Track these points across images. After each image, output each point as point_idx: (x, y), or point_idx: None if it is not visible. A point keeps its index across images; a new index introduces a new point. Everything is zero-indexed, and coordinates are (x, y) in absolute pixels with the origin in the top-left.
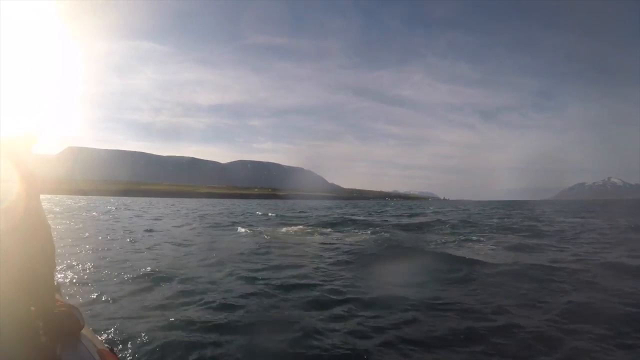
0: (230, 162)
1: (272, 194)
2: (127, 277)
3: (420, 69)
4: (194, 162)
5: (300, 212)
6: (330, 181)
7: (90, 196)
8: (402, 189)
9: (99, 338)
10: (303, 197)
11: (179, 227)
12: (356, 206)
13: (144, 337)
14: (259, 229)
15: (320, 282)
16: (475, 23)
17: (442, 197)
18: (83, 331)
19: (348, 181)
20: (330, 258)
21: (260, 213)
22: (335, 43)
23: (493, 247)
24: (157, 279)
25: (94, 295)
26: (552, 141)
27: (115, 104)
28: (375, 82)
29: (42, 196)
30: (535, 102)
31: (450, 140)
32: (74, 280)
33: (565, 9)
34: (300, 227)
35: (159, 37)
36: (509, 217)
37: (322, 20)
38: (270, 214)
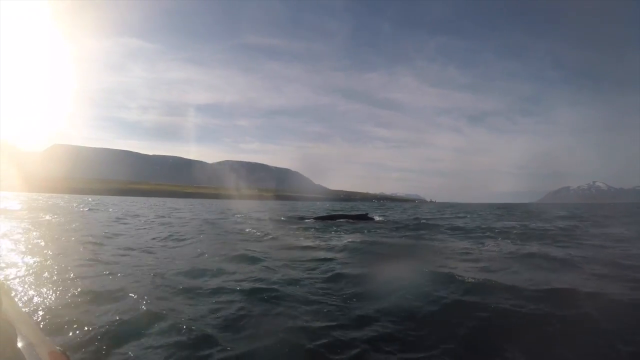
0: (218, 162)
1: (259, 195)
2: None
3: (409, 73)
4: (180, 161)
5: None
6: (317, 182)
7: (85, 195)
8: (389, 191)
9: (51, 340)
10: (291, 199)
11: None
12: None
13: (98, 339)
14: None
15: None
16: (465, 28)
17: (428, 200)
18: (35, 333)
19: (335, 183)
20: None
21: None
22: (325, 45)
23: None
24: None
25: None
26: (538, 146)
27: (103, 101)
28: (364, 84)
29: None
30: (523, 107)
31: (438, 143)
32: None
33: (554, 16)
34: None
35: (148, 35)
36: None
37: (313, 21)
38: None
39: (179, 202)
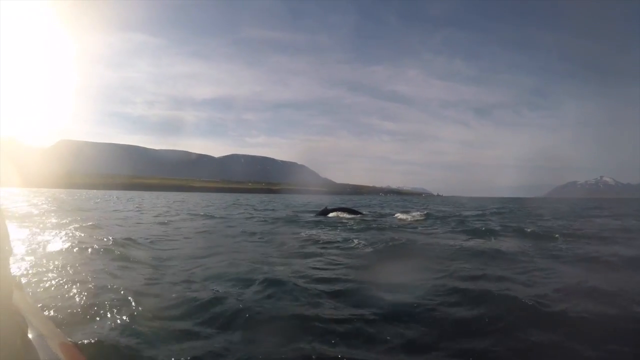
0: (224, 156)
1: (267, 189)
2: None
3: (415, 65)
4: (187, 156)
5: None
6: (323, 176)
7: (97, 190)
8: (395, 184)
9: (61, 332)
10: (299, 192)
11: None
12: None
13: (110, 332)
14: None
15: None
16: (471, 20)
17: (435, 193)
18: (45, 325)
19: (341, 176)
20: None
21: None
22: (330, 37)
23: None
24: None
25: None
26: (545, 139)
27: (108, 97)
28: (370, 77)
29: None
30: (530, 101)
31: (444, 136)
32: None
33: (561, 8)
34: None
35: (153, 30)
36: None
37: (318, 14)
38: None
39: (178, 196)
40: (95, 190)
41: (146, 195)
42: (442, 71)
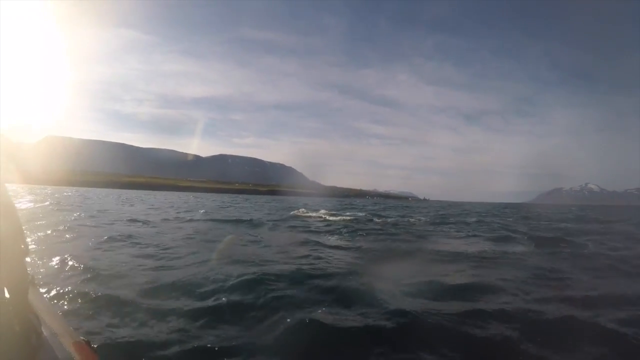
0: (211, 156)
1: (254, 190)
2: None
3: (405, 70)
4: (174, 155)
5: None
6: (311, 179)
7: (79, 187)
8: (382, 188)
9: (74, 331)
10: (286, 194)
11: None
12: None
13: (123, 330)
14: None
15: None
16: (463, 26)
17: (422, 197)
18: (59, 324)
19: (329, 179)
20: None
21: None
22: (322, 40)
23: None
24: None
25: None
26: (533, 146)
27: (97, 93)
28: (360, 80)
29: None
30: (518, 107)
31: (434, 141)
32: None
33: (551, 17)
34: None
35: (144, 26)
36: None
37: (310, 16)
38: None
39: (151, 195)
40: (76, 188)
41: (123, 193)
42: (433, 76)
